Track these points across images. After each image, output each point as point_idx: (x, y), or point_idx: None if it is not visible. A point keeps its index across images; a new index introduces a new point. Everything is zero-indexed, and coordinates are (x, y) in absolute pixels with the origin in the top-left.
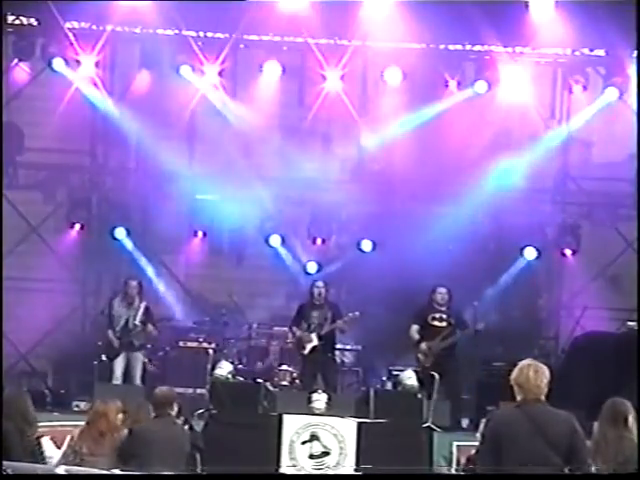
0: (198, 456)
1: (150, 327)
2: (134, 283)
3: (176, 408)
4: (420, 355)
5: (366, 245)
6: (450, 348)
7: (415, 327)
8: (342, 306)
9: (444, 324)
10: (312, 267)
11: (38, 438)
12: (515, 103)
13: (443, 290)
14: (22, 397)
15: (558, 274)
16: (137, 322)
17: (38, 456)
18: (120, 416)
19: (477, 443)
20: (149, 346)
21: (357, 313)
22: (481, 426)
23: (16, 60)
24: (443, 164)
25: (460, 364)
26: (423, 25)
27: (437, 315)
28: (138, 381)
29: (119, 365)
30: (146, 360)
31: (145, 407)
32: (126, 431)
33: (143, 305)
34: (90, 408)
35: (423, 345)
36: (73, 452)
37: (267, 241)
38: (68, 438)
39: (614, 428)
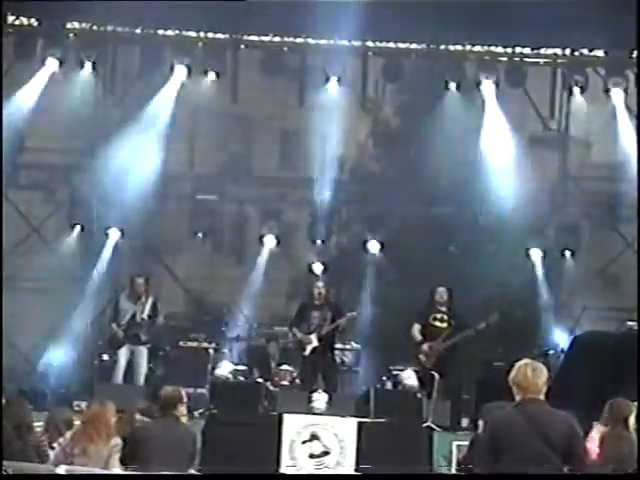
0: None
1: (158, 319)
2: (140, 280)
3: (182, 408)
4: (421, 355)
5: (366, 245)
6: (451, 349)
7: (417, 327)
8: (342, 306)
9: (445, 325)
10: (317, 268)
11: (38, 439)
12: (515, 103)
13: (442, 289)
14: (20, 401)
15: (558, 274)
16: (145, 316)
17: (43, 456)
18: (114, 418)
19: (473, 441)
20: (150, 346)
21: (354, 313)
22: (480, 423)
23: (16, 60)
24: (443, 164)
25: (460, 364)
26: (423, 25)
27: (438, 315)
28: (142, 378)
29: (123, 355)
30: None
31: (134, 411)
32: (128, 431)
33: (151, 300)
34: (87, 408)
35: (425, 346)
36: (64, 453)
37: (267, 241)
38: (61, 439)
39: (614, 427)
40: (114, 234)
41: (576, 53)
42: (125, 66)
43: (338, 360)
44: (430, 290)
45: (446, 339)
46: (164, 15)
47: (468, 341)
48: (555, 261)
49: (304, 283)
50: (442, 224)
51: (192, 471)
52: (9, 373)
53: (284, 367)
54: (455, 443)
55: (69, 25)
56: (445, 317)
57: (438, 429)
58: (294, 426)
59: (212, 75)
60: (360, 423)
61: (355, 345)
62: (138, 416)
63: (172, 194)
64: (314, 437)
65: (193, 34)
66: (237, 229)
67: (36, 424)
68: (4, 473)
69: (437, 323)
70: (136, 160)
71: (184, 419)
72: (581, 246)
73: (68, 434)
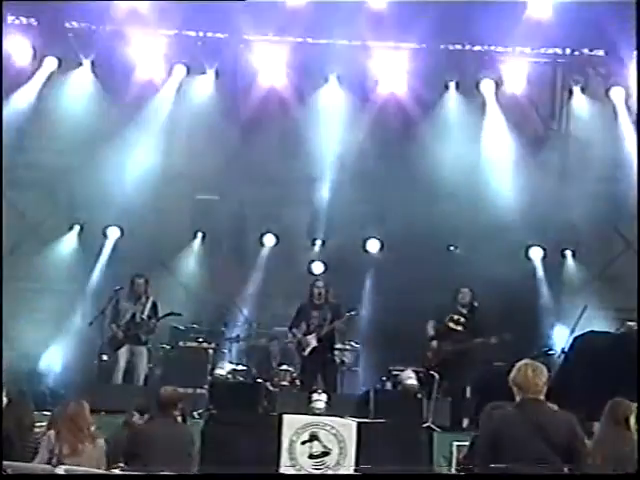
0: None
1: (151, 322)
2: (141, 280)
3: (180, 407)
4: (429, 352)
5: (366, 245)
6: (459, 353)
7: (431, 323)
8: (342, 306)
9: (459, 327)
10: (317, 268)
11: (38, 440)
12: (515, 103)
13: (466, 290)
14: (22, 401)
15: (558, 274)
16: (145, 317)
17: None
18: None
19: (473, 441)
20: (150, 346)
21: (353, 312)
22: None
23: (16, 60)
24: (443, 164)
25: (466, 367)
26: (423, 25)
27: (455, 317)
28: (142, 379)
29: (122, 356)
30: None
31: (131, 412)
32: (125, 431)
33: (151, 300)
34: (64, 408)
35: (434, 343)
36: (51, 454)
37: (267, 241)
38: (45, 440)
39: (615, 428)
40: (114, 234)
41: (576, 53)
42: (124, 65)
43: (338, 360)
44: (455, 289)
45: (456, 343)
46: (163, 14)
47: (476, 350)
48: (555, 261)
49: (304, 283)
50: (442, 224)
51: (191, 471)
52: (9, 373)
53: (284, 367)
54: (455, 443)
55: (69, 25)
56: (461, 320)
57: (438, 429)
58: (294, 426)
59: (211, 74)
60: (360, 423)
61: (355, 345)
62: (135, 414)
63: (172, 194)
64: (314, 437)
65: (192, 33)
66: (237, 229)
67: (37, 424)
68: (4, 473)
69: (451, 324)
70: (135, 160)
71: (179, 419)
72: (581, 246)
73: (52, 434)
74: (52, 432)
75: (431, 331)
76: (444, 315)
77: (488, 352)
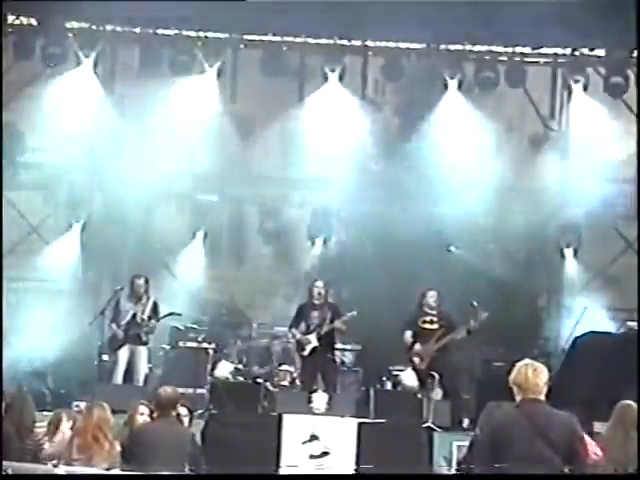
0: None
1: (151, 322)
2: (141, 281)
3: (183, 409)
4: (416, 358)
5: (367, 245)
6: (443, 349)
7: (408, 333)
8: (342, 306)
9: (435, 326)
10: (317, 268)
11: (38, 440)
12: (515, 103)
13: (432, 293)
14: (22, 401)
15: (558, 274)
16: (145, 317)
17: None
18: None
19: (473, 441)
20: (150, 346)
21: (354, 312)
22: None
23: (16, 60)
24: (443, 164)
25: (459, 364)
26: (423, 25)
27: (428, 318)
28: (142, 379)
29: (123, 355)
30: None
31: (137, 410)
32: (127, 431)
33: (152, 300)
34: (88, 412)
35: (417, 346)
36: (60, 454)
37: (267, 241)
38: (59, 437)
39: (623, 430)
40: (114, 234)
41: (576, 53)
42: (124, 66)
43: (338, 360)
44: (421, 293)
45: (438, 340)
46: (163, 14)
47: (461, 341)
48: (555, 261)
49: (304, 283)
50: (442, 224)
51: (195, 471)
52: (9, 373)
53: (284, 367)
54: (455, 443)
55: (68, 25)
56: (435, 319)
57: (438, 429)
58: (294, 426)
59: (212, 74)
60: (360, 423)
61: (355, 345)
62: (141, 408)
63: (172, 194)
64: (314, 437)
65: (192, 33)
66: (237, 229)
67: (38, 424)
68: (4, 473)
69: (427, 326)
70: (136, 160)
71: (186, 420)
72: (581, 246)
73: (67, 433)
74: (68, 432)
75: (409, 339)
76: (415, 322)
77: (482, 343)
